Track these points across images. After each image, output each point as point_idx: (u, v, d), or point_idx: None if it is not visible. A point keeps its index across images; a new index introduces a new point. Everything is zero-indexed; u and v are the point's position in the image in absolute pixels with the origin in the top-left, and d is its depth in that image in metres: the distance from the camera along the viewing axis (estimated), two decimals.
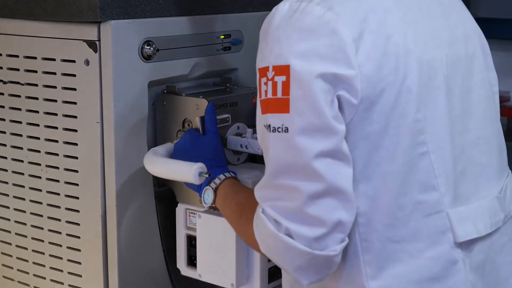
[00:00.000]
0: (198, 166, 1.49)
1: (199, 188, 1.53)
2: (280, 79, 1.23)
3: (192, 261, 1.69)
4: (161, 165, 1.56)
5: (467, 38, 1.40)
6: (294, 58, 1.22)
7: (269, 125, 1.25)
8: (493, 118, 1.43)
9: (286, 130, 1.23)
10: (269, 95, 1.24)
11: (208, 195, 1.51)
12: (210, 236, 1.62)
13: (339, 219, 1.23)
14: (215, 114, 1.61)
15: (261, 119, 1.27)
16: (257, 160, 1.76)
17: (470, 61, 1.39)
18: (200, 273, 1.65)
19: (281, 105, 1.23)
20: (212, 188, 1.50)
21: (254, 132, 1.68)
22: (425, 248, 1.29)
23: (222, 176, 1.51)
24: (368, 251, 1.29)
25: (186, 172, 1.50)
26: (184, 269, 1.71)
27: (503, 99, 3.27)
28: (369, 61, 1.23)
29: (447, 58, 1.33)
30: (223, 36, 1.81)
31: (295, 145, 1.22)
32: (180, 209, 1.69)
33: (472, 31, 1.44)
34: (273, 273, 1.62)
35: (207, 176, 1.49)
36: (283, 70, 1.23)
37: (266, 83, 1.25)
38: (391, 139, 1.26)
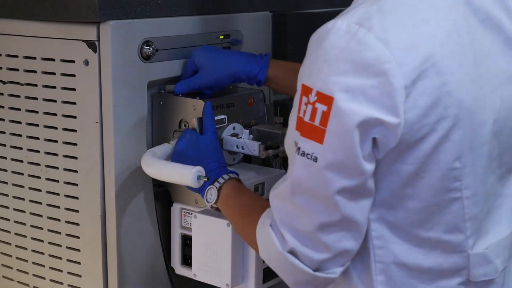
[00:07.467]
0: (197, 170, 1.49)
1: (200, 188, 1.53)
2: (321, 108, 1.18)
3: (186, 260, 1.69)
4: (160, 168, 1.55)
5: None
6: (340, 91, 1.16)
7: (299, 147, 1.22)
8: None
9: (315, 159, 1.20)
10: (307, 118, 1.20)
11: (211, 194, 1.51)
12: (206, 236, 1.62)
13: (345, 248, 1.25)
14: (213, 113, 1.61)
15: (294, 133, 1.24)
16: (252, 160, 1.76)
17: None
18: (195, 272, 1.65)
19: (316, 134, 1.19)
20: (216, 188, 1.50)
21: (250, 133, 1.68)
22: (437, 279, 1.29)
23: (226, 176, 1.52)
24: (383, 272, 1.29)
25: (184, 175, 1.50)
26: (179, 268, 1.71)
27: None
28: (415, 107, 1.17)
29: (502, 100, 1.28)
30: (222, 36, 1.81)
31: (320, 176, 1.20)
32: (175, 209, 1.69)
33: None
34: (268, 273, 1.62)
35: (205, 179, 1.50)
36: (327, 100, 1.17)
37: (306, 104, 1.20)
38: (421, 182, 1.23)
